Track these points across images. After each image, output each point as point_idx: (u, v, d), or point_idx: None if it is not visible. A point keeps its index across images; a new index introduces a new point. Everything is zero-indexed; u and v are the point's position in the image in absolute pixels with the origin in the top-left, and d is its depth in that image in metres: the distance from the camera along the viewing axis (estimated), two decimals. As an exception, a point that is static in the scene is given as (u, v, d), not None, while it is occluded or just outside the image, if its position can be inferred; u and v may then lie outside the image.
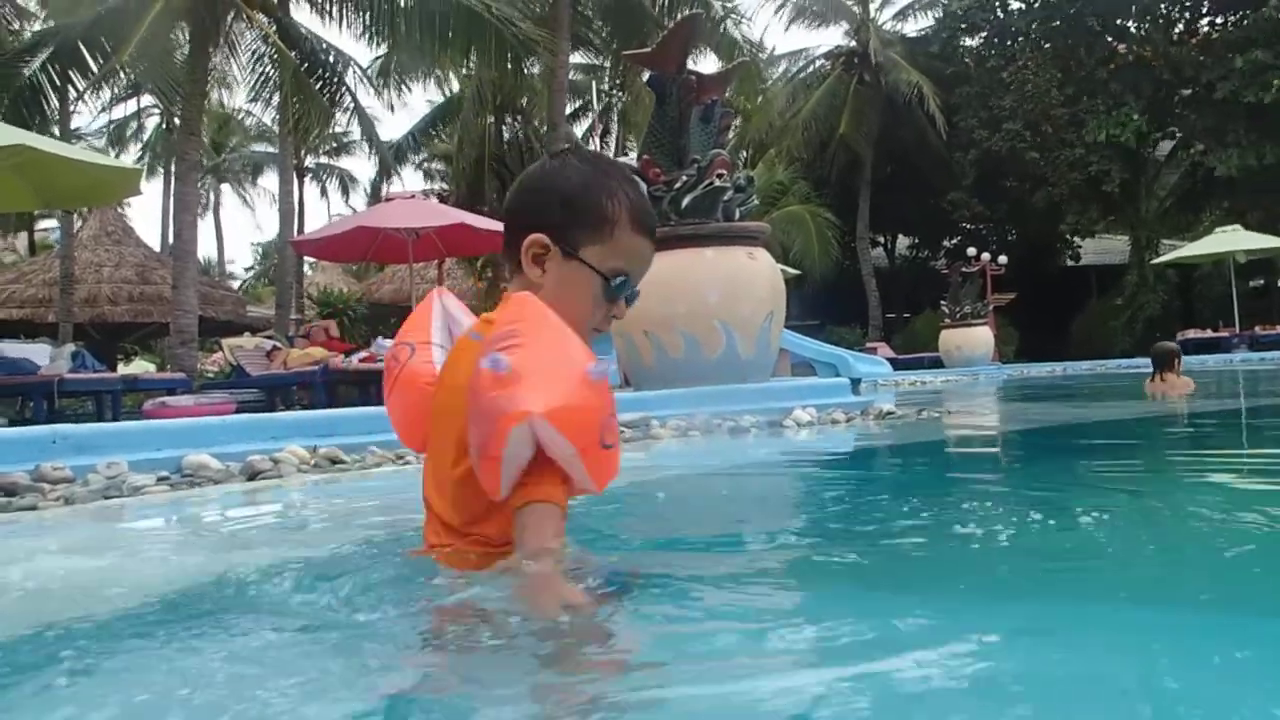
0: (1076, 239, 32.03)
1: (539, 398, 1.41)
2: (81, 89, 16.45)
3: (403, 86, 23.54)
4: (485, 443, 1.44)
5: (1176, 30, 27.70)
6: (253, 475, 4.06)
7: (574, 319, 1.64)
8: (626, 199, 1.72)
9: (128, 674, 1.30)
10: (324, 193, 43.46)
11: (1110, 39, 28.26)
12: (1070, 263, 33.23)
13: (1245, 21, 25.58)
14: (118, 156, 31.52)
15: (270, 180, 45.35)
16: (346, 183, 43.21)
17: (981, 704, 1.03)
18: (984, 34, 30.43)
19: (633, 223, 1.72)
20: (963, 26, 30.75)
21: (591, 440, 1.47)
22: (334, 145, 39.48)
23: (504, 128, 28.11)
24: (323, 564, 1.92)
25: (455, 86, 28.08)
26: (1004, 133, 27.24)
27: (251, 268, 60.51)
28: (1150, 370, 8.60)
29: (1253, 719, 0.99)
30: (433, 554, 1.67)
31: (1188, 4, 27.57)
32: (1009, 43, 29.07)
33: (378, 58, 23.19)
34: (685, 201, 7.76)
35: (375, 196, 28.96)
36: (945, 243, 34.53)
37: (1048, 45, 28.16)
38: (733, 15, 22.21)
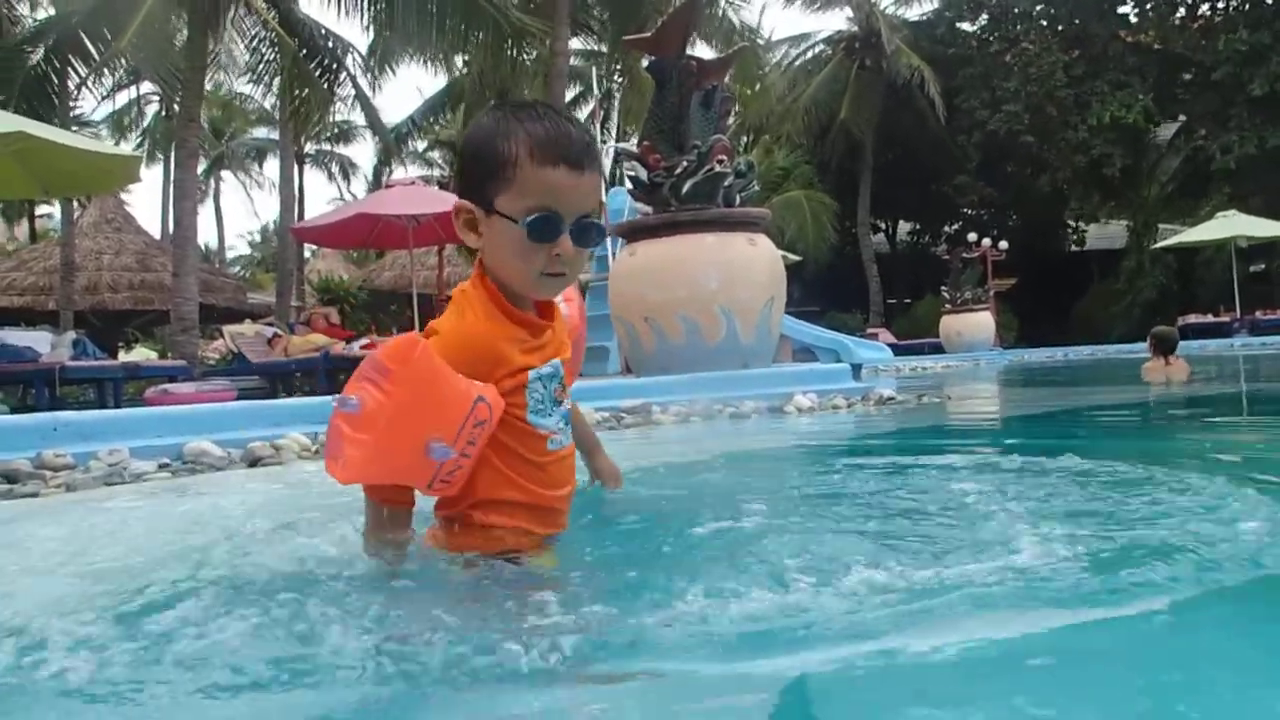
0: (1081, 224, 31.98)
1: (352, 472, 1.70)
2: (83, 76, 16.44)
3: (401, 72, 23.43)
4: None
5: (1178, 15, 27.60)
6: (254, 462, 4.07)
7: (511, 273, 1.70)
8: (525, 134, 1.66)
9: (109, 662, 1.31)
10: (331, 177, 43.31)
11: (1111, 24, 28.15)
12: (1075, 248, 33.19)
13: (1245, 6, 25.50)
14: (118, 144, 31.45)
15: (268, 167, 45.23)
16: (347, 169, 43.09)
17: (976, 683, 1.04)
18: (986, 17, 30.31)
19: (534, 156, 1.65)
20: (966, 8, 30.57)
21: None
22: (336, 131, 39.32)
23: (504, 114, 27.95)
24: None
25: (456, 72, 27.99)
26: (1003, 114, 27.13)
27: (248, 255, 60.36)
28: (1148, 354, 8.48)
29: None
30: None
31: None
32: (1014, 25, 28.97)
33: (374, 48, 23.09)
34: (686, 187, 7.76)
35: (376, 183, 28.90)
36: (946, 228, 34.48)
37: (1057, 27, 28.06)
38: (732, 1, 22.12)
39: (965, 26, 31.34)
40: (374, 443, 1.57)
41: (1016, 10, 29.02)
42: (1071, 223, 32.29)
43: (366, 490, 1.71)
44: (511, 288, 1.72)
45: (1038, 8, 28.76)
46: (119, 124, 34.42)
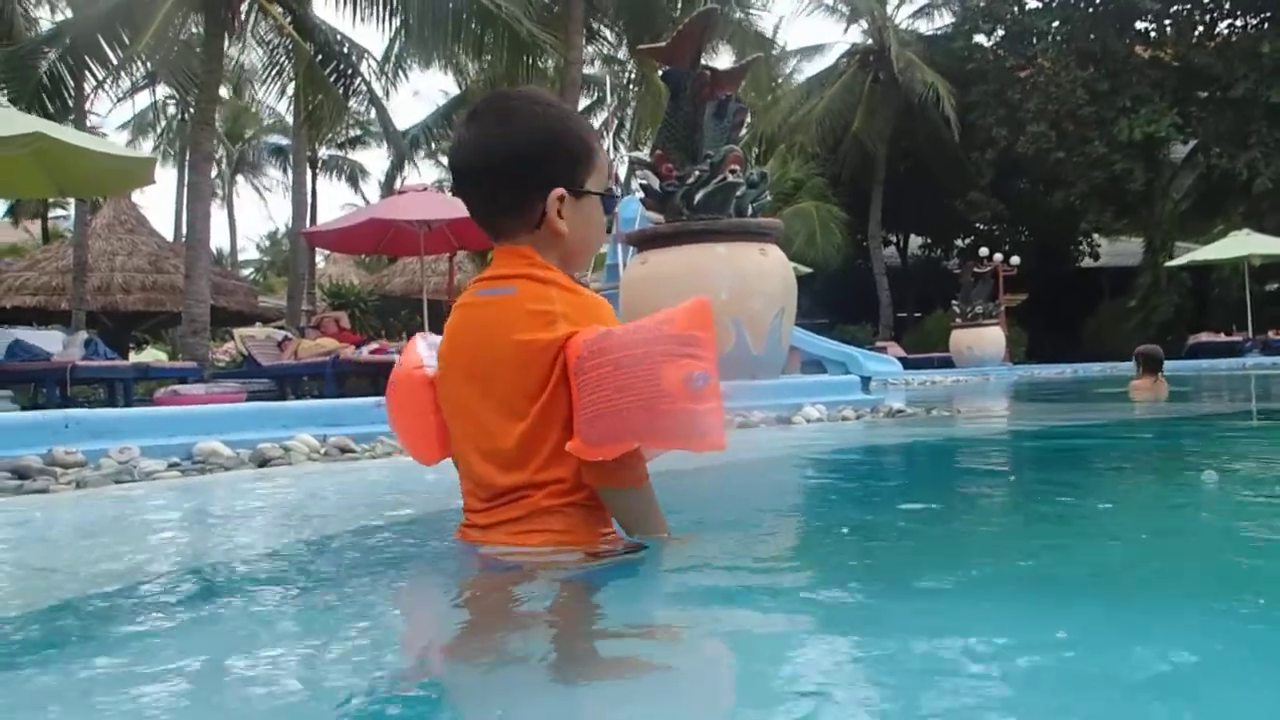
0: (1097, 236, 31.86)
1: (726, 435, 1.64)
2: (99, 79, 16.54)
3: (415, 78, 23.58)
4: (651, 434, 1.59)
5: (1196, 33, 27.54)
6: (263, 463, 4.08)
7: (592, 247, 1.83)
8: (582, 121, 1.85)
9: (128, 657, 1.31)
10: (352, 182, 43.42)
11: (1129, 40, 28.10)
12: (1090, 262, 33.09)
13: (1265, 25, 25.49)
14: (143, 148, 31.64)
15: (282, 173, 45.37)
16: (358, 174, 43.23)
17: (977, 695, 1.03)
18: (1001, 33, 30.28)
19: (597, 139, 1.82)
20: (983, 24, 30.51)
21: None
22: (353, 135, 39.32)
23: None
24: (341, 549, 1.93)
25: (468, 80, 28.07)
26: (1029, 135, 27.02)
27: (260, 259, 60.59)
28: (1135, 373, 8.79)
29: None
30: (485, 531, 1.72)
31: (1208, 5, 27.42)
32: (1033, 40, 28.94)
33: (388, 57, 23.16)
34: (698, 197, 7.75)
35: (389, 188, 28.96)
36: (957, 242, 34.43)
37: (1067, 45, 28.02)
38: (748, 9, 22.14)
39: (980, 40, 31.22)
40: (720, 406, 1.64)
41: (1036, 28, 28.93)
42: (1083, 239, 32.21)
43: (638, 476, 1.69)
44: (579, 264, 1.82)
45: (1054, 24, 28.70)
46: (137, 127, 34.65)
